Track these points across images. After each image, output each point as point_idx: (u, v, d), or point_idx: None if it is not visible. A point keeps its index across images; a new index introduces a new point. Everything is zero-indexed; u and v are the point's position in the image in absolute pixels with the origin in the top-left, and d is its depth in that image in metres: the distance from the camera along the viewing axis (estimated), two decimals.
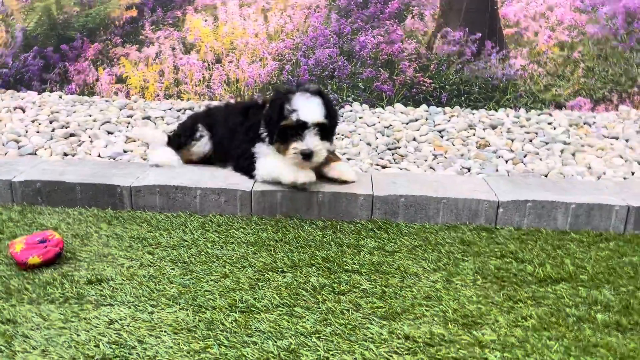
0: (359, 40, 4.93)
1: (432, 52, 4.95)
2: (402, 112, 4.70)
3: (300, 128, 2.59)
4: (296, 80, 4.92)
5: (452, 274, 2.22)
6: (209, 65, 5.06)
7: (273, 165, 2.76)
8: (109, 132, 4.10)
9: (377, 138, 4.03)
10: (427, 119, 4.53)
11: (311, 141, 2.60)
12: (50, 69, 5.19)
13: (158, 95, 5.12)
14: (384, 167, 3.42)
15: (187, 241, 2.46)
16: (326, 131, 2.65)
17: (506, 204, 2.67)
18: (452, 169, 3.37)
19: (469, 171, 3.37)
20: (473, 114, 4.71)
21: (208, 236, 2.51)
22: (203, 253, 2.35)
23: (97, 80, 5.18)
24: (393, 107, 4.91)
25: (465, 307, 1.98)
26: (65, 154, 3.60)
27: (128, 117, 4.48)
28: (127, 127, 4.27)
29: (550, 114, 4.73)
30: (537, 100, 4.92)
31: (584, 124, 4.41)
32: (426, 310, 1.96)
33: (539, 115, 4.71)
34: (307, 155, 2.61)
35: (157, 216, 2.72)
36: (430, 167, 3.43)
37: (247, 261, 2.29)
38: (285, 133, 2.63)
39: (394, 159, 3.55)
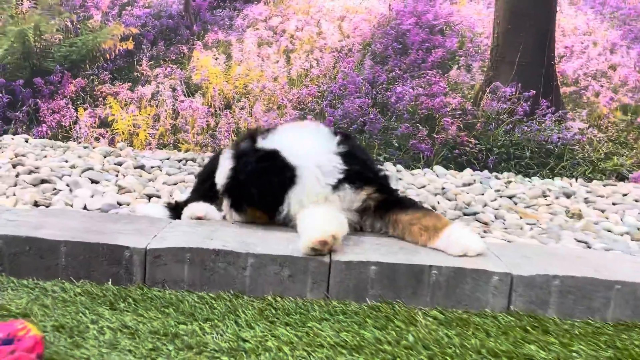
0: (396, 90, 4.22)
1: (479, 108, 4.29)
2: (451, 176, 3.93)
3: None
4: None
5: None
6: (215, 111, 4.23)
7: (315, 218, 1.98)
8: (92, 181, 3.13)
9: (438, 202, 3.21)
10: (482, 183, 3.77)
11: (223, 206, 2.29)
12: (17, 107, 4.24)
13: (150, 144, 4.21)
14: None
15: (248, 342, 1.50)
16: (233, 202, 2.22)
17: None
18: (562, 243, 2.56)
19: (588, 246, 2.57)
20: (530, 181, 4.00)
21: (279, 333, 1.56)
22: None
23: (75, 122, 4.25)
24: (432, 169, 4.14)
25: None
26: (37, 204, 2.61)
27: (116, 164, 3.53)
28: (117, 175, 3.31)
29: (615, 185, 4.07)
30: (596, 169, 4.26)
31: None
32: None
33: (604, 186, 4.03)
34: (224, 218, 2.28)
35: (187, 297, 1.75)
36: (533, 238, 2.61)
37: None
38: None
39: (484, 231, 2.71)
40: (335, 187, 2.10)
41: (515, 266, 1.89)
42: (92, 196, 2.80)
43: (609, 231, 2.85)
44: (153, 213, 2.37)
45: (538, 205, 3.27)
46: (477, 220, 2.89)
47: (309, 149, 2.16)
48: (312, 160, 2.13)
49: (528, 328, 1.71)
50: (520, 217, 2.99)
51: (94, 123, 4.24)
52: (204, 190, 2.38)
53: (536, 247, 2.27)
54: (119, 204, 2.72)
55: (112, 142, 4.22)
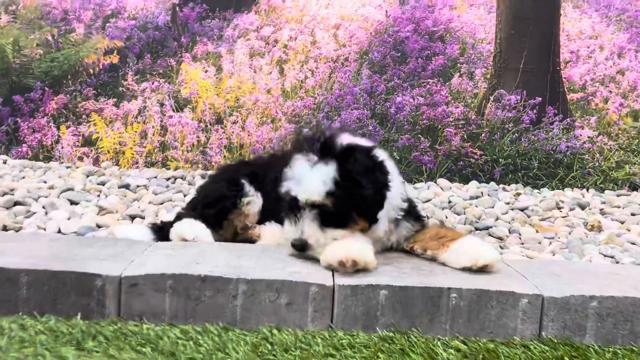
0: (395, 100, 4.02)
1: (483, 118, 4.08)
2: (456, 189, 3.71)
3: (295, 207, 1.77)
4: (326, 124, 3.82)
5: None
6: (206, 126, 4.01)
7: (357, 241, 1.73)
8: (72, 202, 2.89)
9: (446, 217, 2.98)
10: (490, 196, 3.54)
11: (304, 228, 1.74)
12: None
13: (137, 162, 3.97)
14: None
15: None
16: (335, 215, 1.71)
17: None
18: (587, 258, 2.33)
19: (615, 261, 2.33)
20: (540, 192, 3.78)
21: None
22: None
23: (57, 141, 4.02)
24: (435, 182, 3.92)
25: None
26: (5, 228, 2.36)
27: (99, 184, 3.29)
28: (99, 196, 3.07)
29: (628, 194, 3.85)
30: (608, 179, 4.05)
31: None
32: None
33: (617, 196, 3.81)
34: (298, 247, 1.76)
35: (168, 332, 1.50)
36: (554, 253, 2.38)
37: None
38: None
39: (500, 246, 2.48)
40: (398, 221, 1.87)
41: (545, 286, 1.65)
42: (68, 218, 2.56)
43: (633, 244, 2.63)
44: (134, 235, 2.12)
45: (553, 218, 3.05)
46: (490, 235, 2.66)
47: (390, 163, 1.88)
48: (396, 175, 1.87)
49: (566, 359, 1.47)
50: (537, 231, 2.76)
51: (77, 142, 4.01)
52: (207, 214, 2.12)
53: (563, 263, 2.04)
54: (99, 226, 2.48)
55: (96, 162, 3.99)
